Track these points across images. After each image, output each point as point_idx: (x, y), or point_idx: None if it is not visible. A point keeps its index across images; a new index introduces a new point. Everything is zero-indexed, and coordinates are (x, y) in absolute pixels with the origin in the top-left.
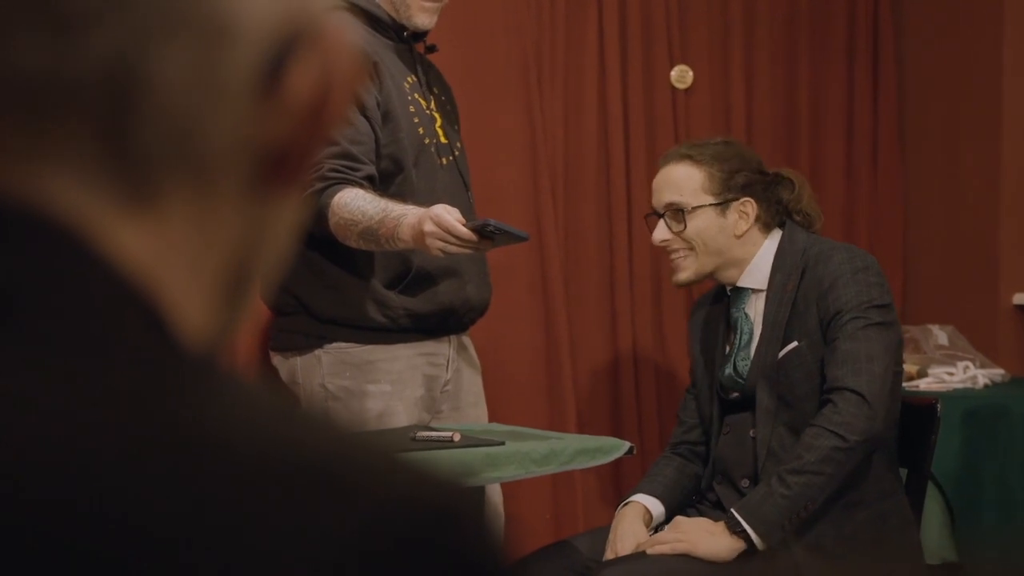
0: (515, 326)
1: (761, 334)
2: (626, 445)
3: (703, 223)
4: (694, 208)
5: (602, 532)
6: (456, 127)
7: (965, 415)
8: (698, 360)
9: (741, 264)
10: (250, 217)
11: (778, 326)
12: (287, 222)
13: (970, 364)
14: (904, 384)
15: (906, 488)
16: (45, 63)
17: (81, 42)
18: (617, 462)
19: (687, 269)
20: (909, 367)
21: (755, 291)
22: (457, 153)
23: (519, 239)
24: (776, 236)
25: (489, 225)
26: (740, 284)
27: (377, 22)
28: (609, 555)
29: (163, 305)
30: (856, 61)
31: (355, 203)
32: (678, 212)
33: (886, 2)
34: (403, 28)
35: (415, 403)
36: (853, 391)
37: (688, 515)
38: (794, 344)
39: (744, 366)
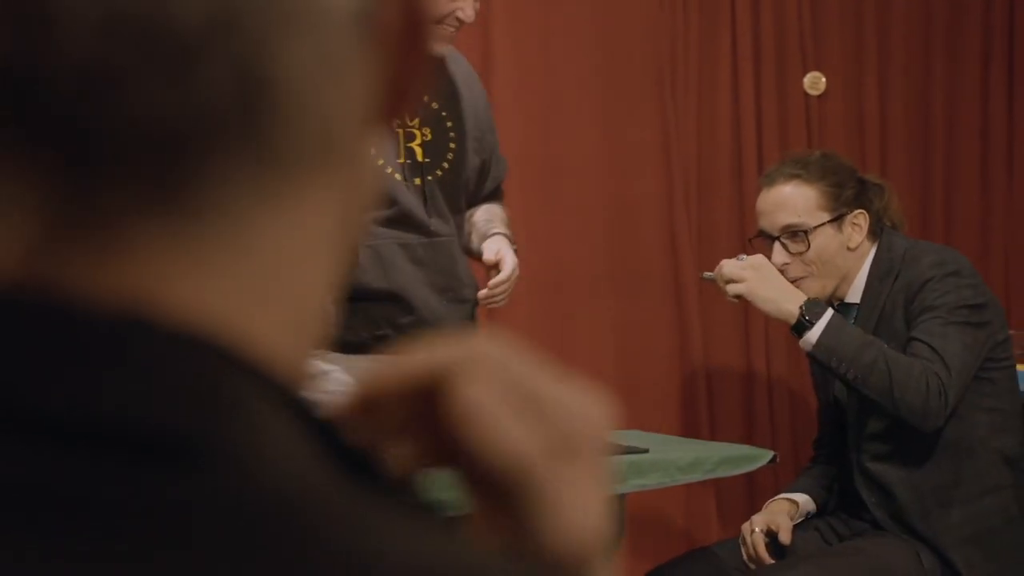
0: (649, 335)
1: None
2: (769, 454)
3: (824, 242)
4: (815, 228)
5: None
6: (454, 137)
7: None
8: (820, 383)
9: (850, 278)
10: (355, 172)
11: (867, 331)
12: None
13: None
14: None
15: None
16: (170, 107)
17: (201, 69)
18: (751, 472)
19: (811, 294)
20: None
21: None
22: (447, 167)
23: None
24: (875, 246)
25: None
26: (848, 300)
27: None
28: (745, 528)
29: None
30: (992, 67)
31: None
32: (797, 234)
33: (1023, 7)
34: None
35: None
36: (927, 344)
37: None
38: None
39: None
